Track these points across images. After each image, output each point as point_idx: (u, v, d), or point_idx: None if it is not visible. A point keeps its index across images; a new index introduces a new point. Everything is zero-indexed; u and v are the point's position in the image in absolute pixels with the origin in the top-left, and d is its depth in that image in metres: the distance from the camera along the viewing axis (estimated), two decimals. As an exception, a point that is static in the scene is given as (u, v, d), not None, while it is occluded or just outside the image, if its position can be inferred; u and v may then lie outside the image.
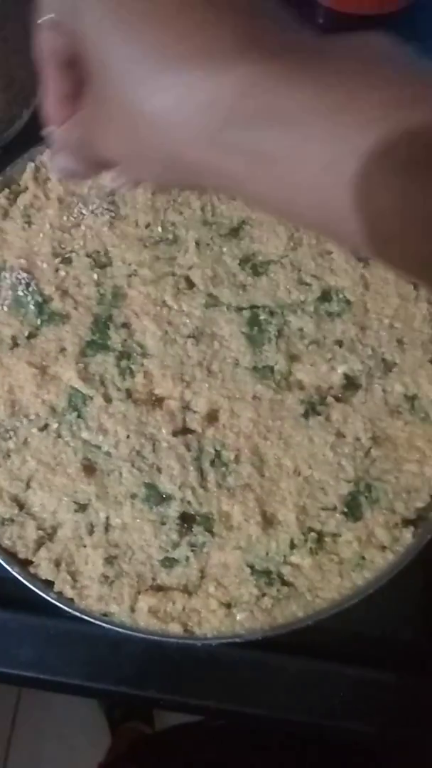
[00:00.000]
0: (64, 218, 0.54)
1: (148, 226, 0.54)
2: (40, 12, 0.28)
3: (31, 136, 0.56)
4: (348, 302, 0.51)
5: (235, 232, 0.54)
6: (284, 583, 0.45)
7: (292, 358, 0.50)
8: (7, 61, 0.50)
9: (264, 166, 0.24)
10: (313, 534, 0.46)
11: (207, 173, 0.25)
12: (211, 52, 0.23)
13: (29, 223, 0.53)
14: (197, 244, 0.53)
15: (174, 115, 0.24)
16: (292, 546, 0.46)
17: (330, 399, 0.49)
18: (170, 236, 0.53)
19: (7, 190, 0.54)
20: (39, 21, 0.28)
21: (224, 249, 0.53)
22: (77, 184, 0.53)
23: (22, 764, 1.27)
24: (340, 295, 0.52)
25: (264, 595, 0.45)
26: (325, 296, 0.52)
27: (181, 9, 0.24)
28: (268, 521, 0.46)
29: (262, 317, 0.51)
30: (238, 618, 0.44)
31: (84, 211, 0.54)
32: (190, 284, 0.52)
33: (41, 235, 0.53)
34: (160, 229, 0.54)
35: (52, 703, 1.28)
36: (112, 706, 1.22)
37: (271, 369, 0.50)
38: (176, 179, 0.28)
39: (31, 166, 0.55)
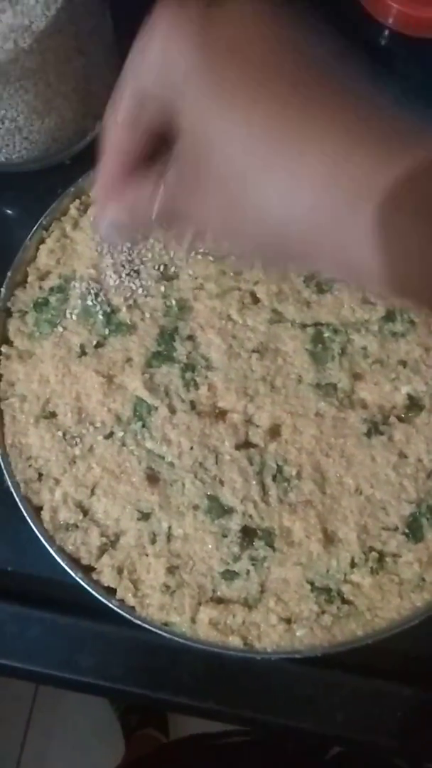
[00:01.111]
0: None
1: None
2: (128, 78, 0.28)
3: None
4: (413, 323, 0.51)
5: (300, 249, 0.54)
6: (344, 601, 0.45)
7: (356, 376, 0.50)
8: (85, 74, 0.51)
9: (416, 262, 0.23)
10: (374, 553, 0.46)
11: (317, 260, 0.25)
12: (345, 139, 0.23)
13: (98, 234, 0.54)
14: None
15: (291, 207, 0.24)
16: (353, 564, 0.46)
17: (393, 419, 0.49)
18: (236, 251, 0.54)
19: (78, 201, 0.55)
20: (125, 86, 0.28)
21: (290, 266, 0.53)
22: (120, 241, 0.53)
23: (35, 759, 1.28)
24: (405, 316, 0.52)
25: (324, 612, 0.45)
26: (390, 316, 0.52)
27: (294, 87, 0.24)
28: (329, 539, 0.47)
29: (326, 335, 0.51)
30: (297, 634, 0.45)
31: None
32: (255, 299, 0.53)
33: (110, 246, 0.54)
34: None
35: (67, 708, 1.28)
36: (126, 713, 1.22)
37: (334, 387, 0.50)
38: (269, 259, 0.28)
39: (102, 178, 0.56)
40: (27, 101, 0.48)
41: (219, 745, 0.75)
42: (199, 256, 0.54)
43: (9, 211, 0.61)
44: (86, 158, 0.58)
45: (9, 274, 0.53)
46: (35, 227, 0.54)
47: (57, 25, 0.43)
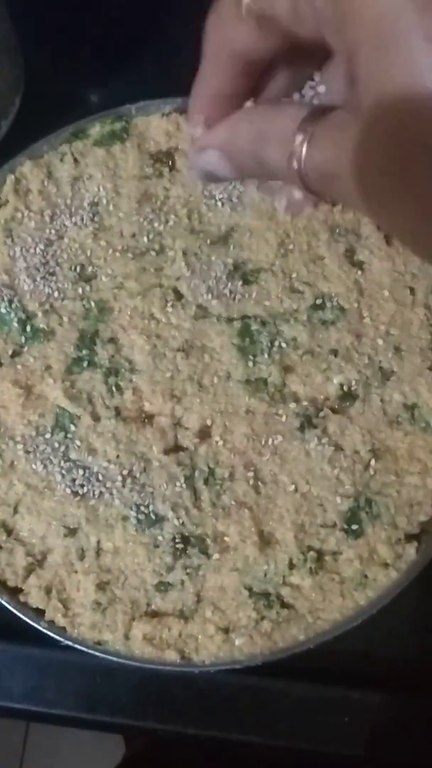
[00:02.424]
0: (47, 231, 0.52)
1: (133, 236, 0.52)
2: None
3: (11, 148, 0.55)
4: (342, 309, 0.50)
5: (223, 239, 0.52)
6: (284, 605, 0.44)
7: (286, 369, 0.48)
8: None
9: None
10: (312, 553, 0.44)
11: None
12: None
13: (10, 237, 0.52)
14: (184, 253, 0.51)
15: None
16: (291, 566, 0.44)
17: (326, 411, 0.47)
18: (156, 246, 0.52)
19: (-17, 201, 0.53)
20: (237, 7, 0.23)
21: (212, 258, 0.51)
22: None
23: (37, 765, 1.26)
24: (334, 302, 0.50)
25: (263, 618, 0.43)
26: (319, 304, 0.50)
27: None
28: (266, 541, 0.45)
29: (253, 328, 0.49)
30: (236, 643, 0.43)
31: (67, 223, 0.52)
32: (179, 296, 0.51)
33: (23, 249, 0.51)
34: (145, 239, 0.52)
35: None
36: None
37: (265, 381, 0.48)
38: None
39: (11, 178, 0.53)
40: None
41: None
42: (118, 254, 0.51)
43: None
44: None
45: None
46: None
47: None
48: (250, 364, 0.48)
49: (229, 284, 0.50)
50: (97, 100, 0.55)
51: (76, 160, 0.54)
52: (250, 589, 0.44)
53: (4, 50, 0.50)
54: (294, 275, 0.51)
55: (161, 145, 0.55)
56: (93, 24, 0.60)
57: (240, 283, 0.50)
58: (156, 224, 0.52)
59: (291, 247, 0.51)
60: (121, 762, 1.09)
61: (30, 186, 0.53)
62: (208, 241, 0.52)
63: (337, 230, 0.51)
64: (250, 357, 0.49)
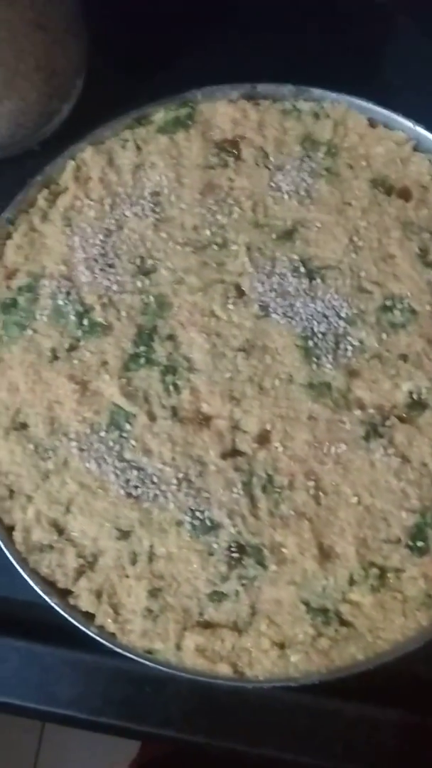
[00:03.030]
0: (107, 221, 0.50)
1: (195, 228, 0.50)
2: None
3: (72, 132, 0.53)
4: (413, 312, 0.47)
5: (289, 234, 0.50)
6: (343, 622, 0.42)
7: (352, 374, 0.46)
8: (47, 52, 0.46)
9: None
10: (374, 569, 0.42)
11: None
12: None
13: (69, 226, 0.50)
14: (248, 248, 0.49)
15: None
16: (352, 582, 0.42)
17: (393, 420, 0.45)
18: (219, 240, 0.50)
19: (46, 191, 0.51)
20: None
21: (277, 253, 0.49)
22: None
23: (52, 757, 1.27)
24: (405, 304, 0.47)
25: (320, 635, 0.41)
26: (388, 305, 0.47)
27: None
28: (325, 554, 0.43)
29: (318, 329, 0.47)
30: (292, 659, 0.41)
31: (127, 213, 0.50)
32: (241, 292, 0.48)
33: (82, 239, 0.50)
34: (208, 232, 0.50)
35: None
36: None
37: (329, 386, 0.46)
38: None
39: (71, 164, 0.51)
40: (-19, 83, 0.44)
41: None
42: (179, 247, 0.50)
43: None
44: (58, 145, 0.53)
45: (-27, 273, 0.49)
46: (0, 221, 0.50)
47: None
48: (314, 367, 0.46)
49: (294, 282, 0.48)
50: (161, 85, 0.53)
51: (138, 147, 0.52)
52: (307, 604, 0.42)
53: (70, 32, 0.48)
54: (363, 274, 0.48)
55: (227, 133, 0.52)
56: (159, 6, 0.58)
57: (305, 281, 0.48)
58: (219, 217, 0.50)
59: (361, 244, 0.49)
60: (137, 756, 1.09)
61: (90, 173, 0.51)
62: (274, 236, 0.49)
63: (411, 228, 0.49)
64: (314, 360, 0.46)
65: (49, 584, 0.43)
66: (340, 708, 0.41)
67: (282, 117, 0.52)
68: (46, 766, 1.28)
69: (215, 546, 0.43)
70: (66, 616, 0.42)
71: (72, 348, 0.48)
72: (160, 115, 0.53)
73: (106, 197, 0.51)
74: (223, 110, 0.52)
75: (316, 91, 0.52)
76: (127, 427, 0.46)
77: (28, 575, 0.43)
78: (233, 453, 0.45)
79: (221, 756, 0.41)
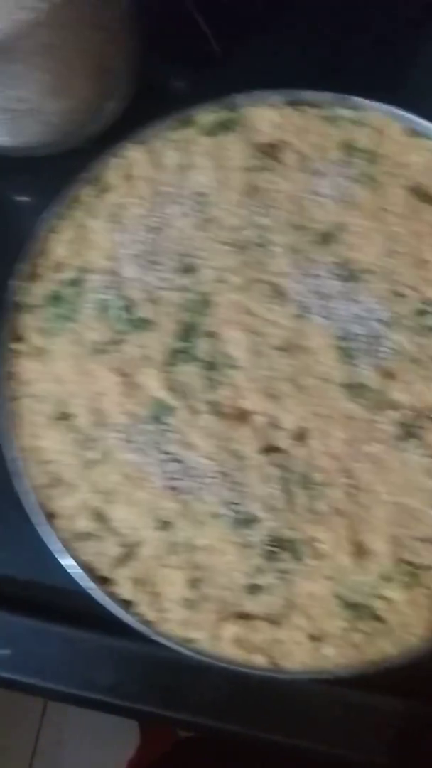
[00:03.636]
0: (152, 219, 0.51)
1: (237, 229, 0.51)
2: None
3: (120, 130, 0.54)
4: (449, 317, 0.48)
5: (328, 238, 0.51)
6: (375, 617, 0.43)
7: (387, 375, 0.47)
8: (101, 51, 0.47)
9: None
10: (407, 566, 0.43)
11: None
12: None
13: (115, 222, 0.51)
14: (288, 249, 0.50)
15: None
16: (385, 578, 0.43)
17: (427, 421, 0.46)
18: (260, 241, 0.51)
19: (93, 188, 0.52)
20: None
21: (317, 256, 0.50)
22: None
23: (49, 755, 1.27)
24: (441, 309, 0.48)
25: (354, 629, 0.42)
26: (423, 309, 0.48)
27: None
28: (360, 551, 0.44)
29: (355, 330, 0.48)
30: (326, 652, 0.42)
31: (171, 212, 0.51)
32: (280, 292, 0.50)
33: (127, 235, 0.51)
34: (249, 232, 0.51)
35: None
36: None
37: (364, 386, 0.47)
38: None
39: (118, 162, 0.52)
40: (41, 80, 0.45)
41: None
42: (221, 246, 0.51)
43: (21, 198, 0.58)
44: (107, 142, 0.54)
45: (21, 266, 0.50)
46: (48, 216, 0.51)
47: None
48: (351, 367, 0.47)
49: (333, 284, 0.49)
50: (207, 88, 0.54)
51: (183, 149, 0.53)
52: (341, 599, 0.43)
53: (125, 32, 0.49)
54: (399, 278, 0.49)
55: (269, 137, 0.53)
56: (207, 11, 0.59)
57: (344, 283, 0.49)
58: (260, 218, 0.51)
59: (397, 249, 0.50)
60: (135, 754, 1.10)
61: (137, 172, 0.52)
62: (313, 238, 0.51)
63: (449, 235, 0.50)
64: (351, 360, 0.47)
65: (89, 572, 0.44)
66: (372, 701, 0.42)
67: (323, 123, 0.53)
68: (47, 746, 1.28)
69: (252, 539, 0.44)
70: (106, 603, 0.43)
71: (116, 342, 0.49)
72: (205, 117, 0.54)
73: (152, 196, 0.52)
74: (265, 115, 0.54)
75: (357, 100, 0.53)
76: (169, 420, 0.47)
77: (70, 562, 0.44)
78: (271, 449, 0.46)
79: (254, 745, 0.42)
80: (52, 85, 0.47)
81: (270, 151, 0.53)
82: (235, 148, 0.53)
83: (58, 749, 1.28)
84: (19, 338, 0.49)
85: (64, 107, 0.49)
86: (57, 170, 0.54)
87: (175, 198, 0.52)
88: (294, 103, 0.54)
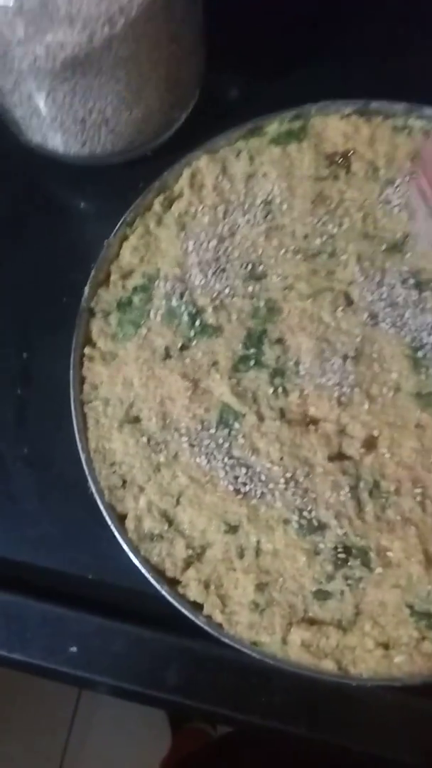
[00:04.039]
0: (220, 227, 0.52)
1: (306, 237, 0.52)
2: None
3: (184, 141, 0.55)
4: None
5: (398, 247, 0.51)
6: (446, 628, 0.42)
7: (458, 385, 0.47)
8: (173, 62, 0.48)
9: None
10: None
11: None
12: None
13: (184, 230, 0.52)
14: (358, 258, 0.50)
15: None
16: (456, 589, 0.43)
17: None
18: (329, 249, 0.51)
19: (162, 196, 0.53)
20: None
21: (387, 264, 0.50)
22: None
23: (80, 754, 1.28)
24: None
25: (424, 638, 0.42)
26: None
27: None
28: (431, 560, 0.44)
29: (426, 340, 0.48)
30: (395, 660, 0.42)
31: (239, 220, 0.52)
32: (350, 301, 0.50)
33: (196, 243, 0.52)
34: (318, 241, 0.51)
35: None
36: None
37: (436, 396, 0.47)
38: None
39: (187, 171, 0.53)
40: (117, 92, 0.46)
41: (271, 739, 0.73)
42: (289, 254, 0.51)
43: (90, 206, 0.59)
44: (170, 151, 0.55)
45: (92, 272, 0.51)
46: (119, 224, 0.52)
47: (152, 11, 0.41)
48: (422, 377, 0.47)
49: (404, 293, 0.49)
50: (275, 98, 0.54)
51: (251, 157, 0.54)
52: (411, 608, 0.43)
53: (194, 41, 0.50)
54: (470, 288, 0.49)
55: (338, 147, 0.54)
56: (276, 20, 0.60)
57: (415, 292, 0.49)
58: (329, 227, 0.52)
59: (468, 258, 0.50)
60: (168, 754, 1.10)
61: (205, 181, 0.53)
62: (383, 247, 0.51)
63: None
64: (423, 370, 0.47)
65: (158, 573, 0.45)
66: (441, 711, 0.42)
67: (393, 133, 0.53)
68: (78, 745, 1.29)
69: (321, 546, 0.44)
70: (176, 604, 0.43)
71: (184, 347, 0.49)
72: (274, 126, 0.54)
73: (220, 204, 0.53)
74: (335, 124, 0.54)
75: (429, 110, 0.53)
76: (236, 425, 0.47)
77: (139, 563, 0.45)
78: (340, 456, 0.46)
79: (322, 750, 0.42)
80: (125, 96, 0.48)
81: (339, 160, 0.54)
82: (303, 158, 0.53)
83: (89, 748, 1.29)
84: (90, 343, 0.50)
85: (135, 118, 0.50)
86: (125, 178, 0.55)
87: (243, 206, 0.52)
88: (364, 114, 0.54)
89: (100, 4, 0.39)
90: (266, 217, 0.52)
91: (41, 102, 0.47)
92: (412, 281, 0.49)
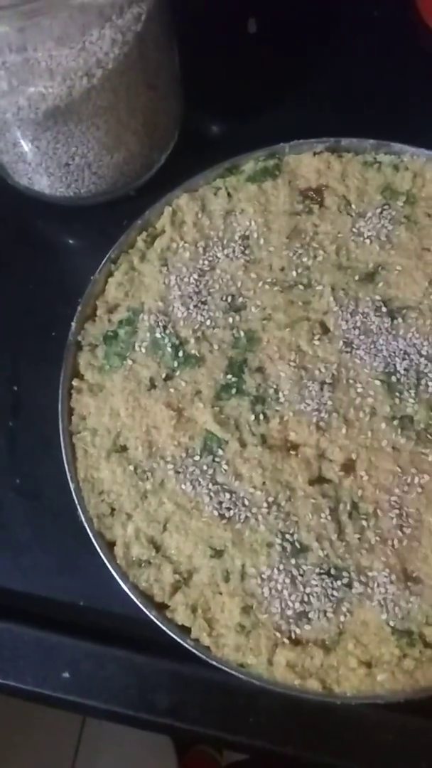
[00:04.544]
0: (200, 261, 0.54)
1: (282, 269, 0.54)
2: None
3: (166, 180, 0.58)
4: None
5: (370, 276, 0.53)
6: (427, 644, 0.44)
7: (432, 408, 0.49)
8: (155, 108, 0.51)
9: None
10: (457, 594, 0.44)
11: None
12: None
13: (166, 266, 0.54)
14: (332, 288, 0.53)
15: None
16: (435, 606, 0.44)
17: (473, 452, 0.47)
18: (305, 280, 0.53)
19: (145, 233, 0.55)
20: None
21: (360, 294, 0.52)
22: None
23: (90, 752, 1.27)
24: None
25: (405, 656, 0.43)
26: (467, 344, 0.50)
27: None
28: (410, 579, 0.45)
29: (400, 365, 0.50)
30: (378, 678, 0.43)
31: (219, 255, 0.54)
32: (325, 329, 0.52)
33: (177, 278, 0.54)
34: (294, 273, 0.53)
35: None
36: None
37: (411, 419, 0.49)
38: None
39: (168, 209, 0.56)
40: (98, 138, 0.48)
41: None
42: (267, 286, 0.53)
43: (77, 243, 0.62)
44: (152, 189, 0.58)
45: (79, 307, 0.53)
46: (104, 261, 0.54)
47: (128, 62, 0.44)
48: (396, 401, 0.49)
49: (377, 320, 0.51)
50: (250, 137, 0.57)
51: (229, 195, 0.56)
52: (393, 626, 0.44)
53: (173, 89, 0.53)
54: (441, 314, 0.51)
55: (311, 183, 0.56)
56: (249, 64, 0.63)
57: (387, 320, 0.51)
58: (305, 259, 0.54)
59: (439, 286, 0.52)
60: None
61: (185, 218, 0.56)
62: (356, 277, 0.53)
63: None
64: (397, 394, 0.49)
65: (147, 598, 0.46)
66: (424, 726, 0.43)
67: (363, 168, 0.56)
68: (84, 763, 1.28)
69: (304, 567, 0.46)
70: (164, 628, 0.45)
71: (168, 378, 0.51)
72: (250, 165, 0.57)
73: (200, 240, 0.55)
74: (308, 161, 0.56)
75: (396, 146, 0.56)
76: (220, 452, 0.49)
77: (128, 589, 0.46)
78: (320, 480, 0.48)
79: (308, 766, 0.43)
80: (106, 142, 0.51)
81: (313, 195, 0.56)
82: (279, 194, 0.56)
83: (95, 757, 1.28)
84: (78, 375, 0.52)
85: (116, 161, 0.52)
86: (110, 216, 0.58)
87: (222, 242, 0.55)
88: (336, 151, 0.57)
89: (77, 57, 0.42)
90: (244, 251, 0.54)
91: (26, 149, 0.49)
92: (384, 309, 0.51)
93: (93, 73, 0.43)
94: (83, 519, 0.48)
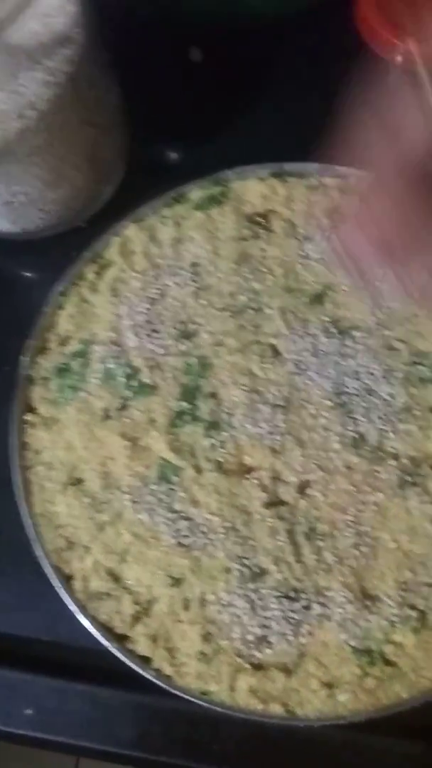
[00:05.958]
0: (151, 290, 0.55)
1: (232, 295, 0.54)
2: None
3: (114, 210, 0.58)
4: (439, 367, 0.51)
5: (319, 298, 0.54)
6: (387, 662, 0.44)
7: (385, 426, 0.49)
8: (96, 144, 0.51)
9: None
10: (415, 611, 0.45)
11: None
12: None
13: (117, 296, 0.55)
14: (282, 311, 0.53)
15: None
16: (394, 624, 0.45)
17: (426, 469, 0.48)
18: (254, 305, 0.54)
19: (94, 265, 0.56)
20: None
21: (309, 316, 0.53)
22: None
23: None
24: (431, 360, 0.51)
25: (366, 674, 0.44)
26: (415, 361, 0.51)
27: None
28: (368, 597, 0.45)
29: (350, 385, 0.51)
30: (340, 699, 0.43)
31: (169, 283, 0.55)
32: (276, 353, 0.52)
33: (128, 307, 0.54)
34: (244, 298, 0.54)
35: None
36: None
37: (363, 438, 0.49)
38: None
39: (117, 240, 0.56)
40: (38, 176, 0.49)
41: None
42: (217, 312, 0.54)
43: (27, 275, 0.62)
44: (102, 220, 0.58)
45: (29, 341, 0.53)
46: (53, 294, 0.54)
47: (61, 102, 0.44)
48: (348, 420, 0.50)
49: (326, 341, 0.52)
50: (195, 166, 0.58)
51: (177, 223, 0.57)
52: (353, 646, 0.44)
53: (115, 124, 0.53)
54: (389, 333, 0.52)
55: (257, 208, 0.57)
56: (195, 93, 0.64)
57: (336, 340, 0.52)
58: (254, 283, 0.54)
59: (387, 304, 0.53)
60: None
61: (134, 248, 0.56)
62: (305, 300, 0.54)
63: None
64: (348, 414, 0.50)
65: (107, 630, 0.46)
66: (388, 745, 0.43)
67: (309, 192, 0.57)
68: None
69: (263, 591, 0.46)
70: (125, 660, 0.44)
71: (122, 407, 0.51)
72: (196, 193, 0.58)
73: (149, 269, 0.55)
74: (253, 187, 0.57)
75: (341, 168, 0.57)
76: (175, 479, 0.49)
77: (88, 622, 0.46)
78: (276, 502, 0.48)
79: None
80: (48, 178, 0.51)
81: (259, 220, 0.57)
82: (226, 220, 0.56)
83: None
84: (30, 409, 0.52)
85: (61, 196, 0.53)
86: (59, 248, 0.58)
87: (171, 270, 0.55)
88: (280, 175, 0.58)
89: (8, 101, 0.42)
90: (194, 278, 0.55)
91: (-31, 187, 0.49)
92: (333, 330, 0.52)
93: (25, 114, 0.43)
94: (40, 554, 0.48)
